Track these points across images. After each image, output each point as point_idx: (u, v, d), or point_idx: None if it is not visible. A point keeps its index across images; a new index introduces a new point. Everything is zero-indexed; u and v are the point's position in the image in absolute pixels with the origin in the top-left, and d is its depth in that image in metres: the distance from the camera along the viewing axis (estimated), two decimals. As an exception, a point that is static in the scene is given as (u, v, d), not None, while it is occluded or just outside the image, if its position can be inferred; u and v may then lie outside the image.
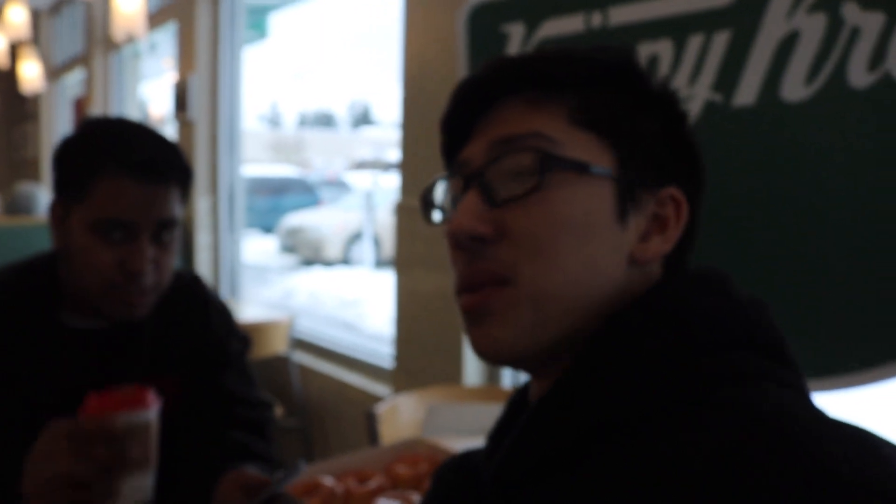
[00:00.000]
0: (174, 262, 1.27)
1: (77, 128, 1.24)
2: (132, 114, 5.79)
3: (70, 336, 1.26)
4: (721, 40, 1.43)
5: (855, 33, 1.25)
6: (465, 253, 0.64)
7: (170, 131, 4.57)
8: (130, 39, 3.56)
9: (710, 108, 1.44)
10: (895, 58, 1.20)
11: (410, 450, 1.48)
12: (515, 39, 1.85)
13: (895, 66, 1.20)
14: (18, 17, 4.91)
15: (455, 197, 0.69)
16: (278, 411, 3.23)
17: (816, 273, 1.30)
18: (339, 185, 16.33)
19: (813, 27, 1.30)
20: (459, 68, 2.02)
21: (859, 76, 1.24)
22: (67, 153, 1.22)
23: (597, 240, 0.62)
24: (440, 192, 0.72)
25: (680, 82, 1.48)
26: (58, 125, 7.25)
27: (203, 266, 4.12)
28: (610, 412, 0.57)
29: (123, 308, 1.21)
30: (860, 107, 1.25)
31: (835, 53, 1.27)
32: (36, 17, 7.03)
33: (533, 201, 0.62)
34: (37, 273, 1.28)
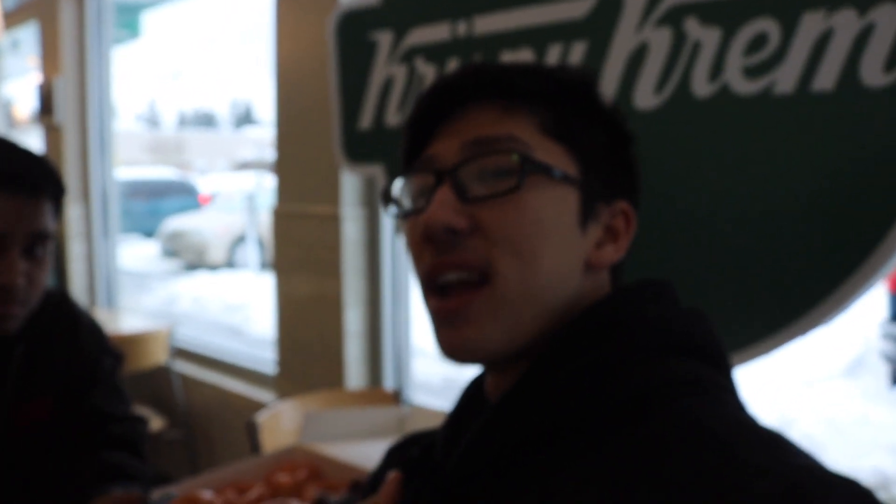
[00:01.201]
0: (47, 277, 1.24)
1: None
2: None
3: None
4: (578, 50, 1.49)
5: (697, 46, 1.33)
6: (434, 245, 0.66)
7: (35, 135, 4.37)
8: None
9: (569, 115, 1.50)
10: (732, 70, 1.29)
11: (289, 458, 1.50)
12: (384, 47, 1.87)
13: (733, 77, 1.30)
14: None
15: (421, 192, 0.71)
16: (160, 424, 3.16)
17: (680, 265, 1.39)
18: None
19: (660, 40, 1.38)
20: (331, 74, 2.03)
21: (702, 86, 1.33)
22: None
23: (564, 243, 0.66)
24: (399, 188, 0.74)
25: (542, 90, 1.54)
26: (-89, 130, 6.81)
27: (77, 276, 3.97)
28: (563, 414, 0.60)
29: None
30: (703, 114, 1.34)
31: (680, 65, 1.36)
32: None
33: (509, 201, 0.65)
34: None
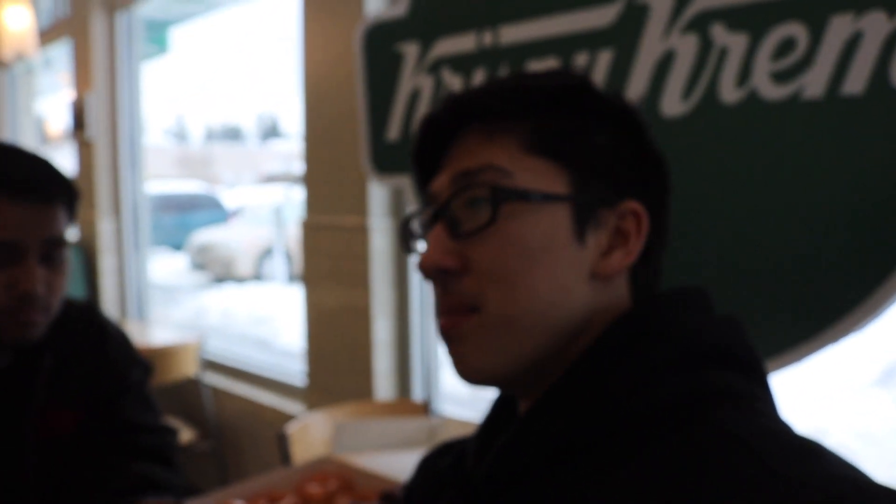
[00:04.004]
0: (66, 283, 1.26)
1: None
2: (28, 132, 5.60)
3: None
4: (605, 58, 1.50)
5: (724, 52, 1.33)
6: (437, 283, 0.67)
7: (68, 151, 4.44)
8: (20, 58, 3.44)
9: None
10: (760, 75, 1.29)
11: (320, 468, 1.50)
12: (411, 58, 1.89)
13: (760, 82, 1.29)
14: None
15: (425, 228, 0.72)
16: (191, 435, 3.18)
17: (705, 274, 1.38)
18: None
19: (686, 47, 1.38)
20: (358, 86, 2.05)
21: (729, 92, 1.33)
22: None
23: (556, 262, 0.64)
24: (416, 223, 0.74)
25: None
26: (-53, 147, 6.94)
27: (109, 289, 4.02)
28: (594, 426, 0.59)
29: (17, 330, 1.20)
30: (731, 121, 1.33)
31: (707, 71, 1.36)
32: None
33: (489, 234, 0.64)
34: None
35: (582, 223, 0.65)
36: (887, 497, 0.48)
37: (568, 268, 0.65)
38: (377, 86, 2.01)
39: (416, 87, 1.88)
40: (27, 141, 5.58)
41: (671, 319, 0.64)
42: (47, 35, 4.56)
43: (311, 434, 1.88)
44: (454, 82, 1.79)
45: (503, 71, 1.67)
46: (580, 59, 1.53)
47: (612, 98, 0.70)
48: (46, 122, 7.92)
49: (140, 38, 4.02)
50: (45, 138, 5.88)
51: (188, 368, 3.18)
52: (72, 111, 4.09)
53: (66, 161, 4.80)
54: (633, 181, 0.68)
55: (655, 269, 0.71)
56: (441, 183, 0.69)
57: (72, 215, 1.26)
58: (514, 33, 1.66)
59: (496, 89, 0.69)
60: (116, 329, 1.45)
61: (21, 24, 3.32)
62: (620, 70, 1.47)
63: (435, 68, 1.83)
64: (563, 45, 1.56)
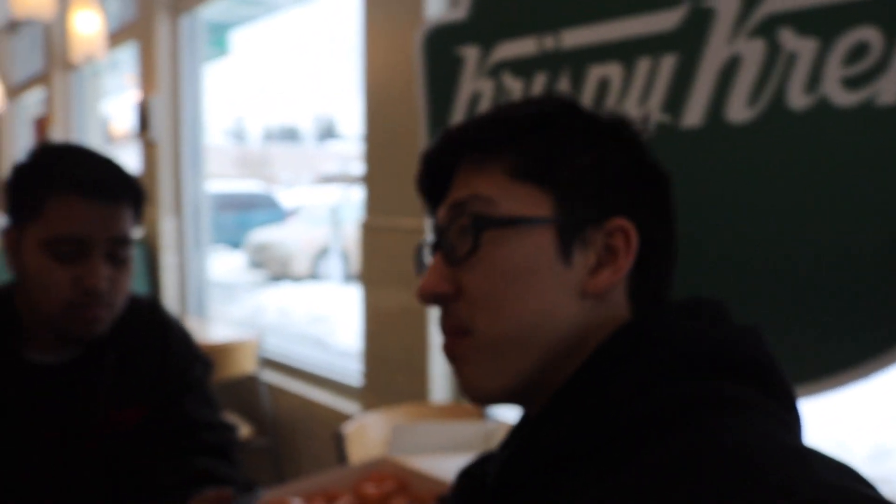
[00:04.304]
0: (130, 281, 1.29)
1: (30, 153, 1.27)
2: (94, 132, 5.76)
3: (32, 372, 1.28)
4: (668, 63, 1.48)
5: (792, 58, 1.30)
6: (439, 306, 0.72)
7: (132, 151, 4.56)
8: (90, 61, 3.54)
9: (660, 129, 1.49)
10: (831, 81, 1.26)
11: (377, 469, 1.51)
12: (471, 61, 1.89)
13: (831, 88, 1.26)
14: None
15: (431, 255, 0.76)
16: (248, 431, 3.23)
17: (767, 288, 1.35)
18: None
19: (753, 52, 1.35)
20: (418, 89, 2.06)
21: (797, 98, 1.30)
22: (20, 177, 1.25)
23: (540, 283, 0.67)
24: (426, 250, 0.79)
25: (630, 104, 1.53)
26: (18, 145, 7.18)
27: (170, 286, 4.11)
28: (590, 434, 0.61)
29: (82, 325, 1.23)
30: (799, 128, 1.30)
31: (774, 77, 1.33)
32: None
33: (476, 260, 0.68)
34: None
35: (567, 244, 0.68)
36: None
37: (554, 288, 0.67)
38: (437, 89, 2.01)
39: (477, 90, 1.88)
40: (93, 141, 5.74)
41: (668, 328, 0.64)
42: (114, 38, 4.68)
43: (368, 434, 1.90)
44: (515, 86, 1.78)
45: (564, 76, 1.66)
46: (643, 65, 1.51)
47: (601, 118, 0.72)
48: (112, 123, 8.14)
49: (202, 41, 4.10)
50: (109, 138, 6.03)
51: (246, 365, 3.24)
52: (137, 112, 4.19)
53: (130, 161, 4.91)
54: (622, 198, 0.70)
55: (660, 281, 0.72)
56: (442, 213, 0.73)
57: (138, 216, 1.29)
58: (576, 37, 1.65)
59: (482, 121, 0.72)
60: (178, 326, 1.48)
61: (91, 27, 3.41)
62: (684, 75, 1.45)
63: (495, 72, 1.83)
64: (626, 50, 1.55)
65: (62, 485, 1.29)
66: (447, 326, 0.71)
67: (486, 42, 1.86)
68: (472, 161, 0.72)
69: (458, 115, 1.94)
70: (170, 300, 4.09)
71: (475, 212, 0.69)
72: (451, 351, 0.71)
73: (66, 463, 1.29)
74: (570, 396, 0.65)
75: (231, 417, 3.36)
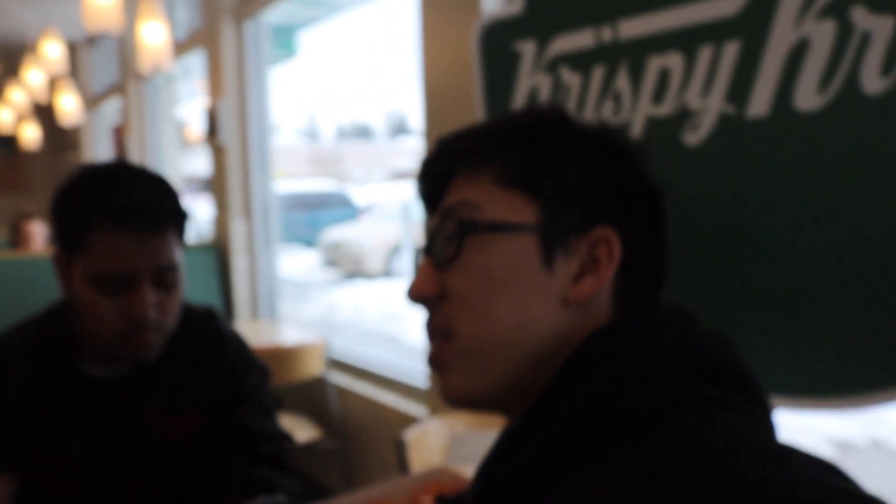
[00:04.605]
0: (179, 302, 1.28)
1: (71, 177, 1.25)
2: (169, 138, 5.89)
3: (89, 386, 1.29)
4: (731, 51, 1.40)
5: (865, 38, 1.21)
6: (425, 309, 0.74)
7: (204, 155, 4.64)
8: (157, 71, 3.61)
9: (723, 120, 1.41)
10: (908, 63, 1.17)
11: (435, 479, 1.48)
12: (528, 56, 1.84)
13: (909, 71, 1.17)
14: (55, 53, 5.02)
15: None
16: (316, 434, 3.25)
17: (832, 289, 1.27)
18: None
19: (822, 34, 1.27)
20: (475, 85, 2.02)
21: (872, 82, 1.21)
22: (62, 205, 1.24)
23: (521, 289, 0.68)
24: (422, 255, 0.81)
25: (692, 95, 1.46)
26: (98, 153, 7.41)
27: (241, 289, 4.16)
28: (565, 440, 0.60)
29: (132, 352, 1.24)
30: (875, 114, 1.21)
31: (846, 60, 1.24)
32: (74, 49, 7.20)
33: (460, 264, 0.70)
34: (55, 324, 1.31)
35: (550, 251, 0.69)
36: (851, 500, 0.48)
37: (534, 295, 0.68)
38: (495, 85, 1.97)
39: (535, 85, 1.83)
40: (167, 145, 5.87)
41: (642, 333, 0.65)
42: (183, 46, 4.77)
43: (429, 441, 1.87)
44: (573, 80, 1.72)
45: (623, 68, 1.60)
46: (705, 53, 1.43)
47: (590, 130, 0.74)
48: (186, 128, 8.34)
49: (267, 45, 4.14)
50: (184, 143, 6.16)
51: (315, 368, 3.25)
52: (206, 118, 4.26)
53: (202, 164, 4.97)
54: (607, 209, 0.71)
55: (646, 292, 0.73)
56: (434, 219, 0.76)
57: (182, 237, 1.28)
58: (635, 27, 1.58)
59: (476, 130, 0.75)
60: (234, 335, 1.47)
61: (157, 38, 3.47)
62: (748, 63, 1.37)
63: (553, 66, 1.77)
64: (686, 38, 1.47)
65: (120, 497, 1.30)
66: (430, 329, 0.73)
67: (543, 36, 1.80)
68: (465, 169, 0.74)
69: (514, 112, 1.88)
70: (241, 304, 4.15)
71: (461, 217, 0.71)
72: (435, 359, 0.72)
73: (124, 474, 1.30)
74: (547, 404, 0.64)
75: (301, 420, 3.39)
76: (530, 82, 1.84)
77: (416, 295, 0.73)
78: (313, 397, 3.48)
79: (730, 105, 1.40)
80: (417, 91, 2.55)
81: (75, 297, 1.24)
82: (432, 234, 0.74)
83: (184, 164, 5.99)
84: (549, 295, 0.68)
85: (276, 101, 4.17)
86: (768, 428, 0.64)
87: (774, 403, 0.67)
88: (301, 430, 3.26)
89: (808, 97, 1.29)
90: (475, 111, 2.05)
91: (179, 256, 1.26)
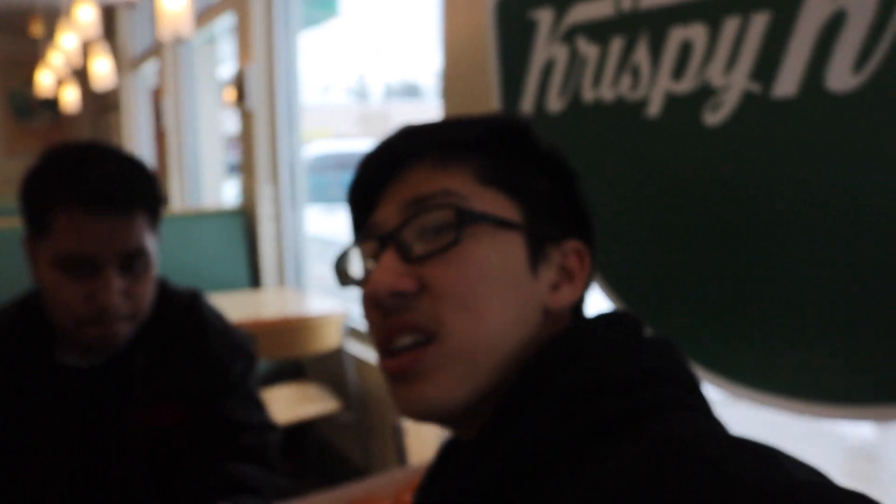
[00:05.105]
0: (151, 288, 1.22)
1: (38, 158, 1.19)
2: (207, 100, 5.84)
3: (65, 374, 1.24)
4: (759, 23, 1.27)
5: (908, 13, 1.07)
6: (380, 311, 0.65)
7: (234, 120, 4.58)
8: (177, 38, 3.54)
9: (747, 99, 1.28)
10: (955, 40, 1.03)
11: (419, 476, 1.40)
12: (545, 25, 1.72)
13: (955, 50, 1.03)
14: (87, 16, 4.98)
15: (368, 260, 0.71)
16: (336, 405, 3.20)
17: (859, 281, 1.14)
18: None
19: (862, 6, 1.13)
20: (491, 56, 1.90)
21: (914, 62, 1.07)
22: (28, 185, 1.18)
23: (514, 291, 0.65)
24: (351, 260, 0.73)
25: (715, 71, 1.33)
26: (138, 114, 7.43)
27: (268, 256, 4.11)
28: (535, 446, 0.57)
29: (98, 340, 1.18)
30: (915, 98, 1.08)
31: (887, 36, 1.11)
32: (113, 12, 7.19)
33: (452, 256, 0.64)
34: (31, 311, 1.26)
35: (535, 255, 0.67)
36: (851, 500, 0.46)
37: (523, 298, 0.66)
38: (511, 56, 1.85)
39: (551, 57, 1.71)
40: (208, 107, 5.83)
41: (598, 339, 0.63)
42: (214, 10, 4.69)
43: (427, 427, 1.80)
44: (590, 52, 1.60)
45: (643, 39, 1.47)
46: (730, 26, 1.30)
47: (549, 148, 0.72)
48: (226, 89, 8.30)
49: (298, 8, 4.03)
50: (222, 104, 6.11)
51: (333, 340, 3.19)
52: (235, 83, 4.19)
53: (231, 127, 4.93)
54: (571, 223, 0.71)
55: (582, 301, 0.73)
56: (387, 212, 0.68)
57: (155, 221, 1.21)
58: (656, -5, 1.44)
59: (451, 122, 0.71)
60: (218, 320, 1.40)
61: (177, 5, 3.38)
62: (777, 37, 1.23)
63: (569, 37, 1.65)
64: (712, 9, 1.34)
65: (101, 487, 1.25)
66: (400, 331, 0.63)
67: (560, 4, 1.68)
68: (434, 161, 0.68)
69: (531, 86, 1.77)
70: (267, 271, 4.10)
71: (456, 205, 0.65)
72: (409, 367, 0.63)
73: (103, 465, 1.25)
74: (507, 413, 0.60)
75: (322, 390, 3.34)
76: (546, 54, 1.72)
77: (386, 290, 0.63)
78: (333, 368, 3.43)
79: (755, 83, 1.27)
80: (437, 58, 2.44)
81: (41, 282, 1.18)
82: (400, 224, 0.66)
83: (225, 125, 5.92)
84: (534, 301, 0.66)
85: (322, 61, 4.08)
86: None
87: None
88: (321, 401, 3.21)
89: (841, 76, 1.16)
90: (491, 83, 1.94)
91: (150, 242, 1.19)
